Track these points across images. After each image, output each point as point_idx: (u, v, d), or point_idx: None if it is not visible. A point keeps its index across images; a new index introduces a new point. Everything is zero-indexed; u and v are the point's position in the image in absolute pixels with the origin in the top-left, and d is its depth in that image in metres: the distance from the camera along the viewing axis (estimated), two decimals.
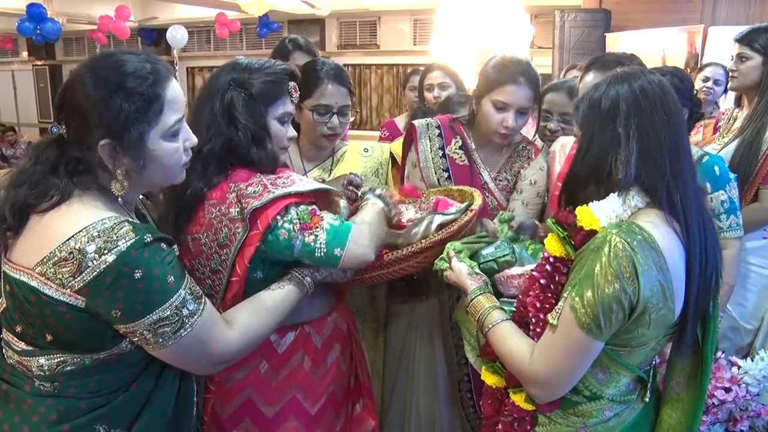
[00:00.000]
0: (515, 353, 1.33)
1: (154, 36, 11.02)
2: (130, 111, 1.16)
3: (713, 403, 2.01)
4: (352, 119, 2.07)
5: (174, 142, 1.25)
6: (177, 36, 8.68)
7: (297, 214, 1.45)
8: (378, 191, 1.70)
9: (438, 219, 1.70)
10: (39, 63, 12.37)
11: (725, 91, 3.95)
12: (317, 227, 1.44)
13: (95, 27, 8.73)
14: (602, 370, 1.32)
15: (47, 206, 1.16)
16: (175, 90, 1.23)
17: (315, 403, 1.66)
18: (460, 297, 2.04)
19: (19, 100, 12.84)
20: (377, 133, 2.93)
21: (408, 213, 1.89)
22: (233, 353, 1.31)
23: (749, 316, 2.55)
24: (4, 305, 1.21)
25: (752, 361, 2.09)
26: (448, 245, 1.62)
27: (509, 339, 1.36)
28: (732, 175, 2.11)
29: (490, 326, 1.39)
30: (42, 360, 1.18)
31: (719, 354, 2.09)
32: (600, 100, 1.29)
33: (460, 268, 1.53)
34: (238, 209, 1.45)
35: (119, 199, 1.22)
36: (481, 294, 1.45)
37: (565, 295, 1.26)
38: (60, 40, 9.00)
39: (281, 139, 1.60)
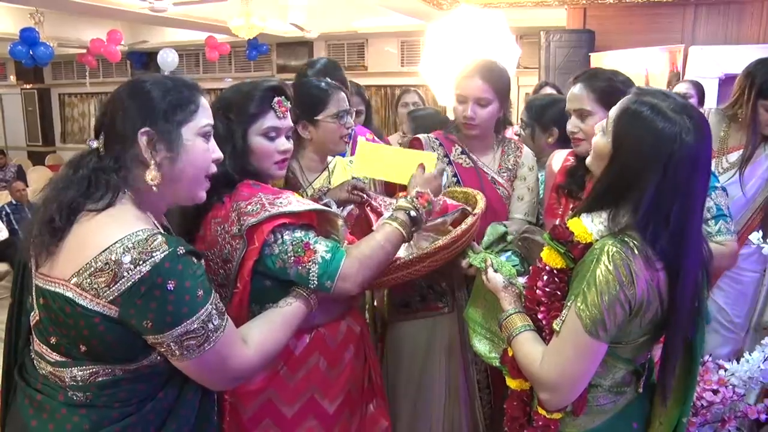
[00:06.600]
0: (529, 359, 1.39)
1: (144, 59, 11.10)
2: (169, 102, 1.26)
3: (702, 405, 2.07)
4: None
5: (205, 142, 1.33)
6: (168, 59, 8.77)
7: (292, 245, 1.51)
8: (412, 212, 1.66)
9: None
10: (27, 87, 12.37)
11: (698, 104, 4.05)
12: (310, 261, 1.50)
13: (84, 51, 8.79)
14: (600, 365, 1.38)
15: (96, 207, 1.21)
16: (206, 103, 1.34)
17: (333, 402, 1.71)
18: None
19: (8, 123, 12.83)
20: None
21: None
22: (249, 370, 1.35)
23: (743, 319, 2.64)
24: (38, 318, 1.24)
25: (738, 363, 2.17)
26: (482, 254, 1.77)
27: (526, 346, 1.42)
28: (719, 184, 2.15)
29: (514, 335, 1.46)
30: (75, 371, 1.21)
31: (707, 357, 2.16)
32: (648, 125, 1.29)
33: (495, 280, 1.62)
34: (238, 227, 1.51)
35: (154, 188, 1.24)
36: (514, 313, 1.51)
37: (568, 303, 1.32)
38: (48, 64, 9.04)
39: (270, 154, 1.64)
